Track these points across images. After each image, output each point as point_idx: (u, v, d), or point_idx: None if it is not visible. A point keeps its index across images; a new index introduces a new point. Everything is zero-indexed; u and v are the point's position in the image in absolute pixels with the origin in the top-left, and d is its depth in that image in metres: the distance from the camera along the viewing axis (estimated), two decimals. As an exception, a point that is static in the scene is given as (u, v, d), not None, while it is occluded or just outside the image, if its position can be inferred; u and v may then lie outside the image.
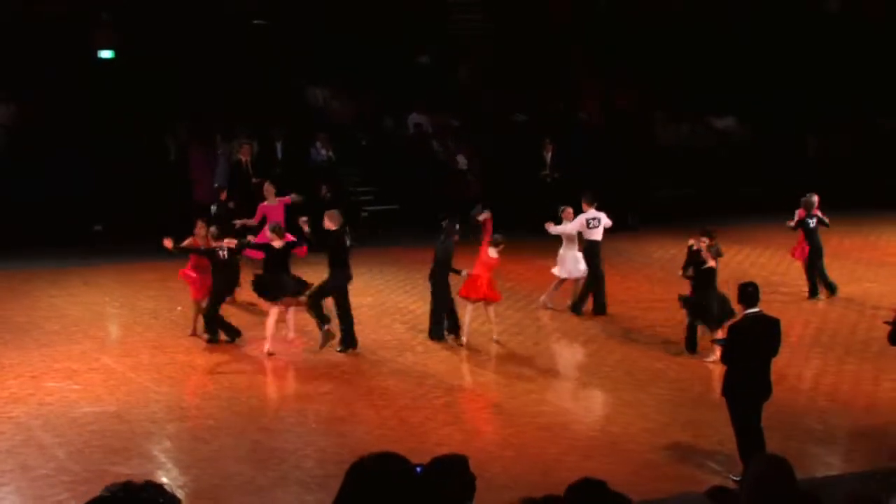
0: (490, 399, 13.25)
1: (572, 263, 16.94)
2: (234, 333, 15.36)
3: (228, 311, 16.77)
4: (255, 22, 26.23)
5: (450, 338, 15.45)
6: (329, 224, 14.76)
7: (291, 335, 15.40)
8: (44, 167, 22.43)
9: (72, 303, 17.79)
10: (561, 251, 17.10)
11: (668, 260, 20.61)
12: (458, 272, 15.25)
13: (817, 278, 17.84)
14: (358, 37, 25.88)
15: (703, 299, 14.36)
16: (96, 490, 3.22)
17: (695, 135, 28.72)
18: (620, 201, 18.00)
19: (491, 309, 15.42)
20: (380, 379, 13.95)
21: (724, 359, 10.48)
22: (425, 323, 16.12)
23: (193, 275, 15.43)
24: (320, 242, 15.06)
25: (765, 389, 10.29)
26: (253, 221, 17.83)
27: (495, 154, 25.98)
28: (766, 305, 10.72)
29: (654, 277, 19.52)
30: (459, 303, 15.49)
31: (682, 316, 15.06)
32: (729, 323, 12.49)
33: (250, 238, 16.28)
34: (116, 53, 24.56)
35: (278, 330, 15.10)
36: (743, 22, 28.29)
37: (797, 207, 17.87)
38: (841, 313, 17.09)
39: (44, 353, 14.81)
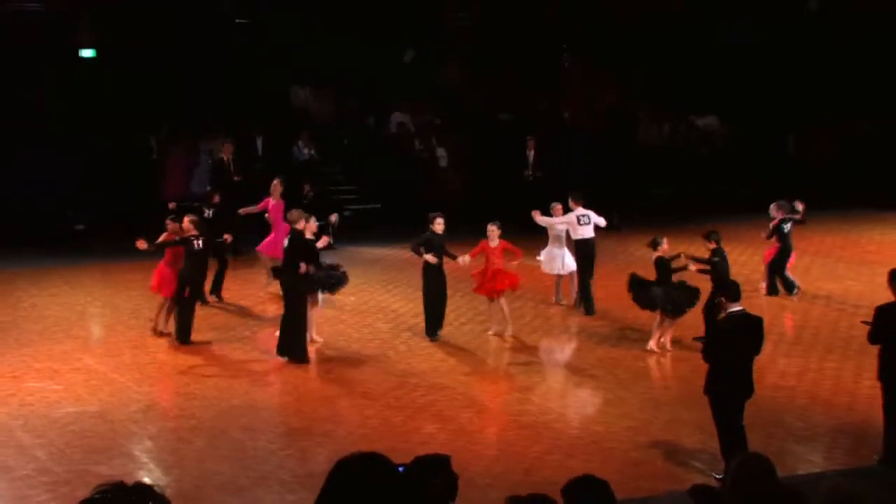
0: (473, 398, 13.25)
1: (559, 261, 16.98)
2: (185, 335, 15.11)
3: (212, 310, 16.77)
4: (238, 21, 26.17)
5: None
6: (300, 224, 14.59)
7: (315, 337, 15.14)
8: (25, 167, 22.32)
9: (53, 303, 17.71)
10: (546, 249, 17.12)
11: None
12: (453, 257, 15.22)
13: (777, 277, 17.91)
14: (342, 36, 25.84)
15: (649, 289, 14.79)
16: (77, 491, 3.22)
17: (677, 134, 28.79)
18: (604, 200, 18.00)
19: (503, 301, 15.52)
20: (362, 378, 13.93)
21: (707, 357, 10.51)
22: (408, 322, 16.13)
23: (165, 271, 15.33)
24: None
25: (747, 388, 10.33)
26: (255, 209, 18.10)
27: (478, 152, 25.99)
28: (748, 304, 10.76)
29: (636, 276, 19.53)
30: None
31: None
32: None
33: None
34: (98, 52, 24.45)
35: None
36: (725, 22, 28.36)
37: (777, 208, 17.87)
38: (822, 312, 17.16)
39: (24, 354, 14.74)
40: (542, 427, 11.98)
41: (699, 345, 13.17)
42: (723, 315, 10.55)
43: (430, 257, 15.05)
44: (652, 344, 14.80)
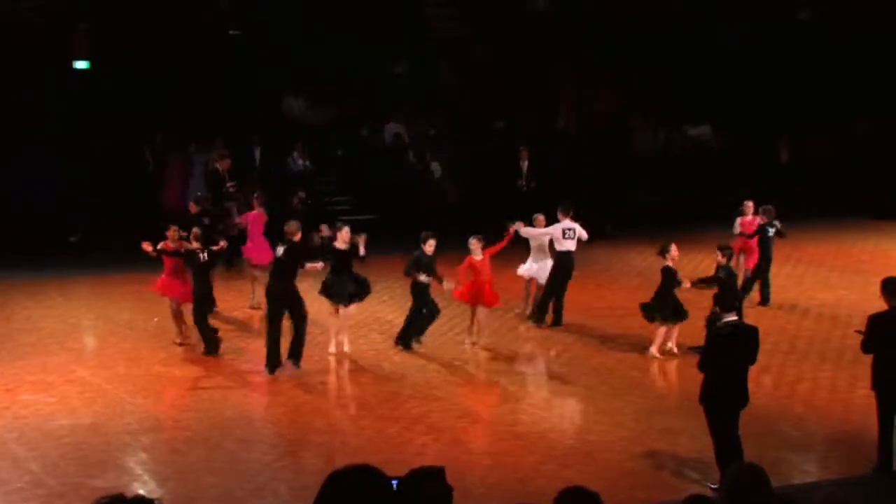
0: (467, 408, 13.25)
1: (537, 271, 16.91)
2: (213, 347, 15.23)
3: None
4: (232, 32, 26.18)
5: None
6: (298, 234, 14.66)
7: (332, 349, 15.14)
8: (19, 178, 22.28)
9: (47, 315, 17.67)
10: (529, 260, 17.02)
11: (645, 267, 20.66)
12: (440, 280, 15.24)
13: (760, 283, 17.94)
14: (335, 46, 25.86)
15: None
16: (71, 504, 3.20)
17: (670, 142, 28.84)
18: (597, 209, 18.02)
19: (481, 311, 15.52)
20: (357, 389, 13.92)
21: (702, 366, 10.52)
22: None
23: (167, 280, 15.35)
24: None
25: (742, 397, 10.34)
26: (242, 223, 18.15)
27: (472, 162, 26.01)
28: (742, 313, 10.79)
29: (630, 285, 19.55)
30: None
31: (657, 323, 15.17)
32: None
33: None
34: (92, 64, 24.46)
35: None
36: (715, 24, 28.42)
37: (763, 212, 17.93)
38: (815, 321, 17.19)
39: (18, 366, 14.70)
40: (536, 437, 11.98)
41: (694, 354, 13.19)
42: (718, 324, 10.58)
43: (423, 278, 15.14)
44: (653, 350, 14.78)
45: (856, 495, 9.77)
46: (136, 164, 24.25)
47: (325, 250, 15.36)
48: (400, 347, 15.38)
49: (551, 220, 16.82)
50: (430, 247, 15.19)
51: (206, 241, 15.35)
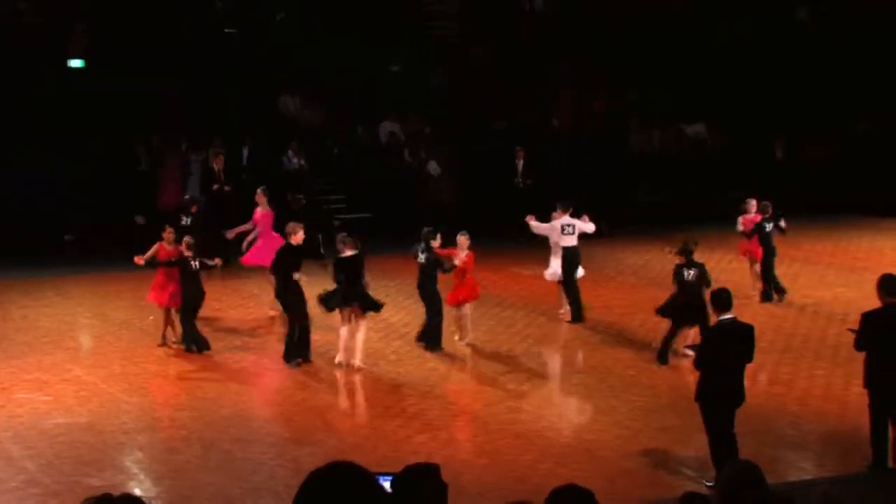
0: (464, 407, 13.24)
1: (551, 270, 16.93)
2: (203, 345, 15.25)
3: (202, 321, 16.70)
4: (227, 31, 26.15)
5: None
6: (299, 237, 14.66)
7: (339, 358, 14.66)
8: (14, 177, 22.24)
9: (43, 314, 17.65)
10: (551, 260, 17.03)
11: (641, 266, 20.69)
12: (451, 267, 15.17)
13: (770, 282, 17.97)
14: (331, 45, 25.84)
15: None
16: (67, 502, 3.20)
17: (666, 141, 28.82)
18: (593, 207, 17.99)
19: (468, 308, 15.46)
20: (353, 388, 13.91)
21: (698, 365, 10.53)
22: (399, 331, 16.10)
23: (159, 288, 15.35)
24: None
25: (738, 395, 10.35)
26: (246, 227, 17.85)
27: (469, 161, 25.99)
28: (738, 311, 10.78)
29: (626, 284, 19.57)
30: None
31: (654, 322, 15.15)
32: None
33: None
34: (87, 63, 24.42)
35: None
36: (716, 29, 28.43)
37: (761, 208, 17.96)
38: (811, 319, 17.19)
39: (14, 365, 14.69)
40: (533, 435, 11.98)
41: (690, 352, 13.22)
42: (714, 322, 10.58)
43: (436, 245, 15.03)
44: (683, 349, 14.53)
45: (851, 492, 9.79)
46: (131, 162, 24.20)
47: (335, 267, 14.96)
48: (425, 348, 15.27)
49: (544, 219, 16.84)
50: (438, 242, 15.24)
51: (199, 250, 15.31)
